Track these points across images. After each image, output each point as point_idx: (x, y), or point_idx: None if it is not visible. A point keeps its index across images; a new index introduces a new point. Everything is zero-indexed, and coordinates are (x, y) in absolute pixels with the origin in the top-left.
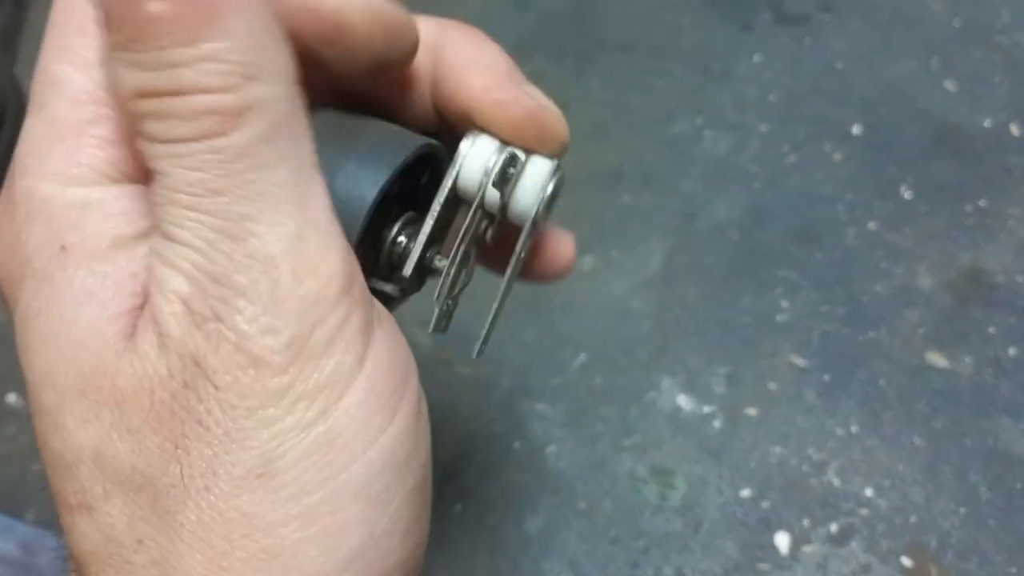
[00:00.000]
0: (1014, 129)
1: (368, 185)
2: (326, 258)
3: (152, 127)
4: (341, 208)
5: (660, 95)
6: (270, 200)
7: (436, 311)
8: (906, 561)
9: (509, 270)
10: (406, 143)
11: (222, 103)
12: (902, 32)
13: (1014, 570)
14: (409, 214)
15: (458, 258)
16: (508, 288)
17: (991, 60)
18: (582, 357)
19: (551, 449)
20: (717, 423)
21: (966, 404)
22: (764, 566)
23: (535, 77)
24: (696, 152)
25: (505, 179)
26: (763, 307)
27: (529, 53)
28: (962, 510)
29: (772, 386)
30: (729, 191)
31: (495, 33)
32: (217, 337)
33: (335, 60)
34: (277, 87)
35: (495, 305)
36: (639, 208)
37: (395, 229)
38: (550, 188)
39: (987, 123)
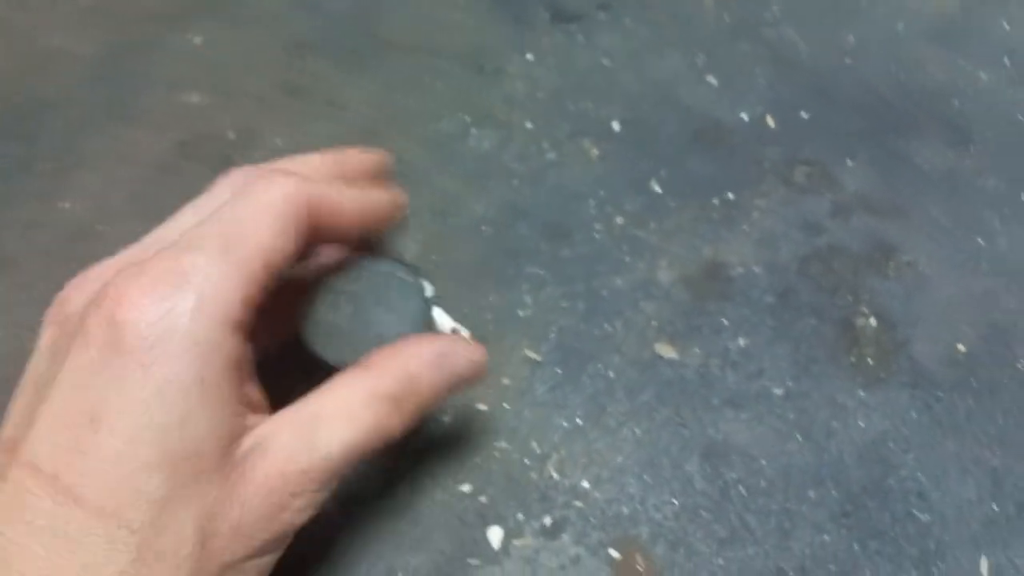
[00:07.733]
0: (770, 121)
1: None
2: None
3: None
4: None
5: (433, 95)
6: None
7: None
8: (614, 553)
9: None
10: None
11: None
12: (673, 29)
13: (721, 562)
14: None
15: None
16: None
17: (755, 54)
18: None
19: None
20: (447, 419)
21: (690, 395)
22: (474, 561)
23: (314, 78)
24: (461, 150)
25: None
26: (506, 303)
27: (309, 54)
28: (676, 501)
29: (505, 381)
30: (488, 188)
31: (276, 33)
32: None
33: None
34: None
35: None
36: None
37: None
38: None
39: (745, 116)
